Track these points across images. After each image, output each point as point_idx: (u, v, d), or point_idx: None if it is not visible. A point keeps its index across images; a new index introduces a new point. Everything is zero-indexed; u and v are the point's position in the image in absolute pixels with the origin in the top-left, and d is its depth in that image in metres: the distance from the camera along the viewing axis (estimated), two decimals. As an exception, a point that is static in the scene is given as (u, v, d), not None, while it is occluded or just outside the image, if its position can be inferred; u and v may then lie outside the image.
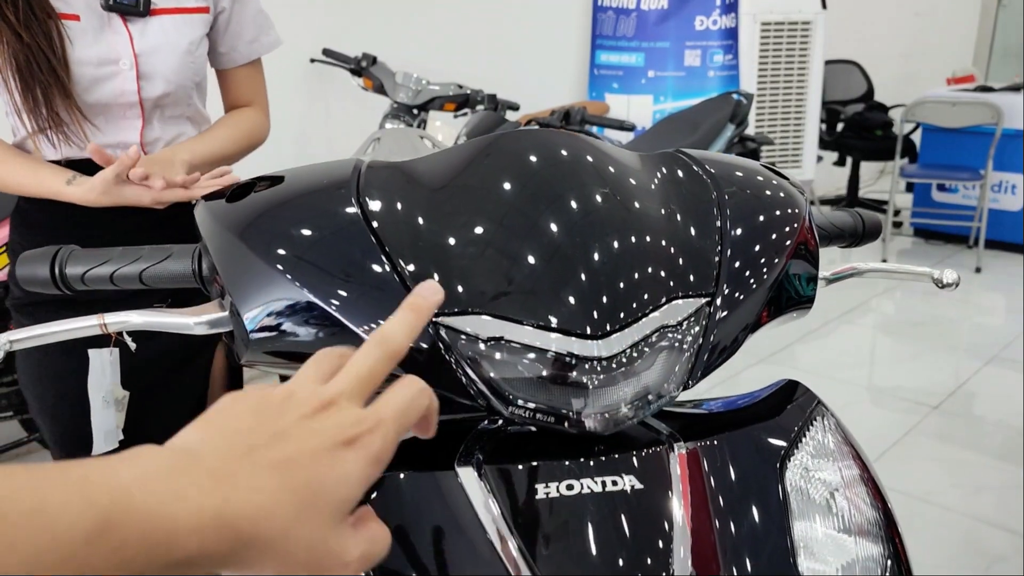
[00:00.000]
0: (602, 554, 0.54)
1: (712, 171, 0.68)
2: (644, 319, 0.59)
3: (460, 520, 0.56)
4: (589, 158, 0.64)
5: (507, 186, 0.62)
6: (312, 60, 3.23)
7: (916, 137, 5.19)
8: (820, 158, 5.24)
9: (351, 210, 0.63)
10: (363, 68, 3.11)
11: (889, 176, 5.02)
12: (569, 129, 1.80)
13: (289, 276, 0.60)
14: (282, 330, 0.61)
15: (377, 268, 0.60)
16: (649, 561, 0.54)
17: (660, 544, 0.55)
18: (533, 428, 0.61)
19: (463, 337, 0.58)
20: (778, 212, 0.67)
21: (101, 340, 0.75)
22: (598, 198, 0.61)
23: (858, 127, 5.41)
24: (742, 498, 0.59)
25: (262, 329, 0.61)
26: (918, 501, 2.42)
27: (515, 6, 3.98)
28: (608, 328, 0.57)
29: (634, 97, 4.29)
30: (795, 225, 0.67)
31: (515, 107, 2.98)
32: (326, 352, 0.43)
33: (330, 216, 0.63)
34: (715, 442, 0.62)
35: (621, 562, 0.54)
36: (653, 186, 0.66)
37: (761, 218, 0.66)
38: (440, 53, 3.53)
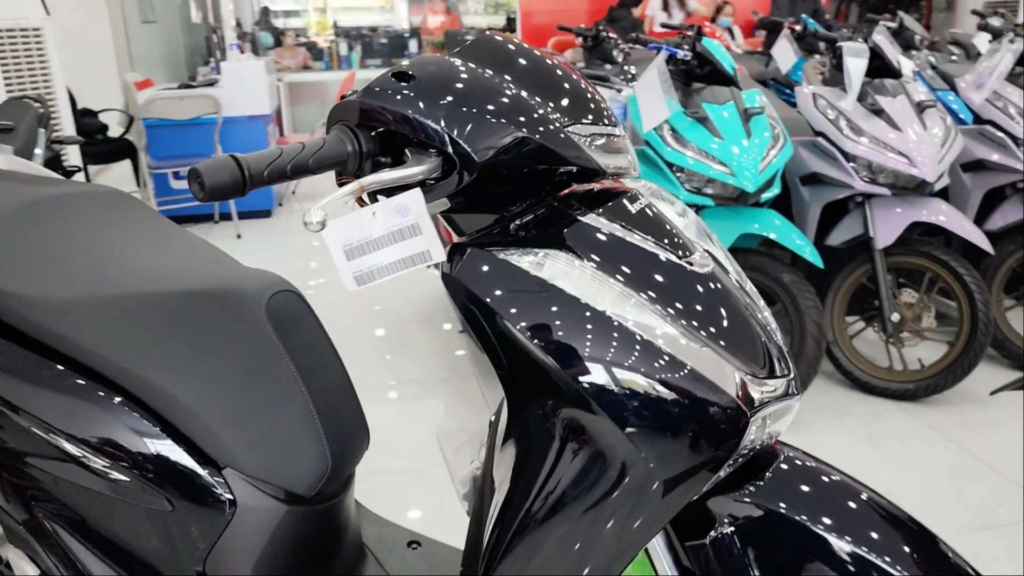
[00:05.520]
0: (671, 230, 0.96)
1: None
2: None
3: (600, 236, 0.92)
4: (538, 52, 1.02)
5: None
6: None
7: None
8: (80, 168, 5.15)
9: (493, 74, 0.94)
10: None
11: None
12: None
13: (493, 118, 0.89)
14: (502, 151, 0.89)
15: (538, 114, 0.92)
16: (681, 241, 0.96)
17: (676, 229, 0.97)
18: (596, 188, 0.98)
19: (577, 135, 0.94)
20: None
21: None
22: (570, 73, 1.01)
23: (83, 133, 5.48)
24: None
25: (487, 152, 0.88)
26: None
27: None
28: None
29: None
30: None
31: None
32: None
33: (481, 77, 0.93)
34: None
35: (679, 232, 0.97)
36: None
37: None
38: None
